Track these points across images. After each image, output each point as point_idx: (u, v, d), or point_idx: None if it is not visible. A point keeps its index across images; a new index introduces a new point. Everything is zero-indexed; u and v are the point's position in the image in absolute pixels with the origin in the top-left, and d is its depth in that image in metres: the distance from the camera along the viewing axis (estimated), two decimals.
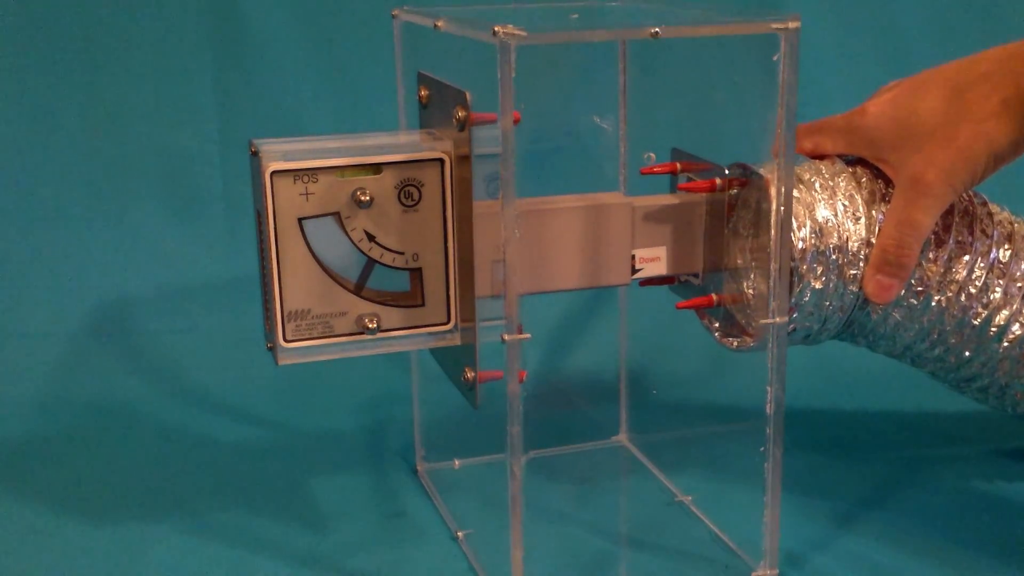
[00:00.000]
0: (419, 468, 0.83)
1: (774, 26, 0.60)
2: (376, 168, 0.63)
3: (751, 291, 0.68)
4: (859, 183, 0.69)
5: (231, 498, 0.80)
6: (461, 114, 0.61)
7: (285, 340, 0.64)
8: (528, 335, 0.60)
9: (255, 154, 0.62)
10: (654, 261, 0.71)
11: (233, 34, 1.08)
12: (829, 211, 0.68)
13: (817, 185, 0.69)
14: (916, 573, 0.70)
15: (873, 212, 0.69)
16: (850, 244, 0.68)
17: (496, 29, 0.56)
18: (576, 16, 0.75)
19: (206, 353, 1.02)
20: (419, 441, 0.83)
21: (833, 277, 0.68)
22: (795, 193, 0.68)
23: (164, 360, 1.02)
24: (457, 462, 0.84)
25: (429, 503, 0.79)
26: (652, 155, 0.74)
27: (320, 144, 0.64)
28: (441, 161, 0.63)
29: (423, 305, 0.65)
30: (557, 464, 0.85)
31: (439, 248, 0.65)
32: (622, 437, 0.89)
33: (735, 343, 0.70)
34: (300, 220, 0.62)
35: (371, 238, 0.63)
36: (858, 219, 0.68)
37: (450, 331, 0.66)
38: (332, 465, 0.85)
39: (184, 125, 1.09)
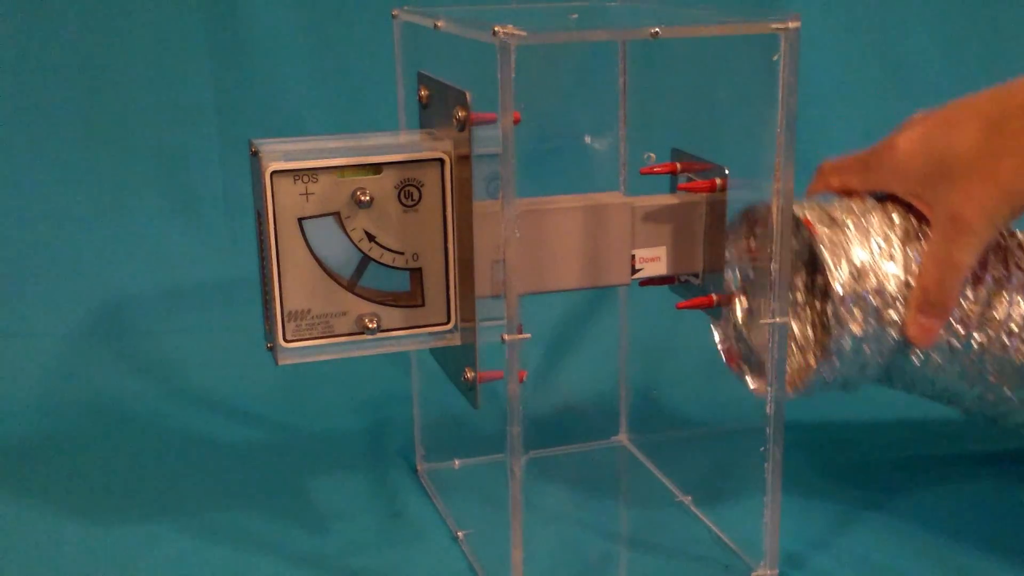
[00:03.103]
0: (419, 468, 0.83)
1: (774, 26, 0.60)
2: (376, 168, 0.63)
3: (794, 343, 0.68)
4: (892, 221, 0.68)
5: (231, 498, 0.80)
6: (461, 114, 0.61)
7: (285, 340, 0.64)
8: (528, 335, 0.60)
9: (255, 154, 0.62)
10: (654, 261, 0.71)
11: (233, 34, 1.08)
12: (865, 252, 0.66)
13: (850, 224, 0.67)
14: (916, 573, 0.70)
15: (908, 251, 0.67)
16: (888, 286, 0.66)
17: (496, 29, 0.56)
18: (576, 16, 0.75)
19: (206, 353, 1.02)
20: (419, 441, 0.83)
21: (872, 321, 0.66)
22: (827, 232, 0.67)
23: (164, 360, 1.02)
24: (457, 462, 0.84)
25: (429, 503, 0.79)
26: (652, 155, 0.74)
27: (320, 144, 0.64)
28: (441, 161, 0.63)
29: (423, 305, 0.65)
30: (557, 464, 0.85)
31: (439, 248, 0.65)
32: (622, 437, 0.89)
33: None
34: (300, 220, 0.62)
35: (371, 238, 0.63)
36: (894, 259, 0.66)
37: (450, 331, 0.66)
38: (332, 465, 0.85)
39: (184, 125, 1.09)
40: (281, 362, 0.64)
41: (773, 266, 0.64)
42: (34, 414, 0.94)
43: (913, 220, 0.68)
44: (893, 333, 0.67)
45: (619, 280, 0.70)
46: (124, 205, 1.09)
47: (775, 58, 0.60)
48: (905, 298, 0.66)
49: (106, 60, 1.07)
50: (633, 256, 0.70)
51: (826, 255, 0.66)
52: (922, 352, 0.68)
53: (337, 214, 0.63)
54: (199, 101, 1.09)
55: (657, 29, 0.59)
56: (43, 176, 1.08)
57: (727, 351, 0.72)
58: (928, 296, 0.66)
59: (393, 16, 0.75)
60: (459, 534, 0.74)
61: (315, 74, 1.10)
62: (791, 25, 0.60)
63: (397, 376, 0.92)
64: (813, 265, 0.72)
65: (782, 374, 0.65)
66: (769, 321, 0.64)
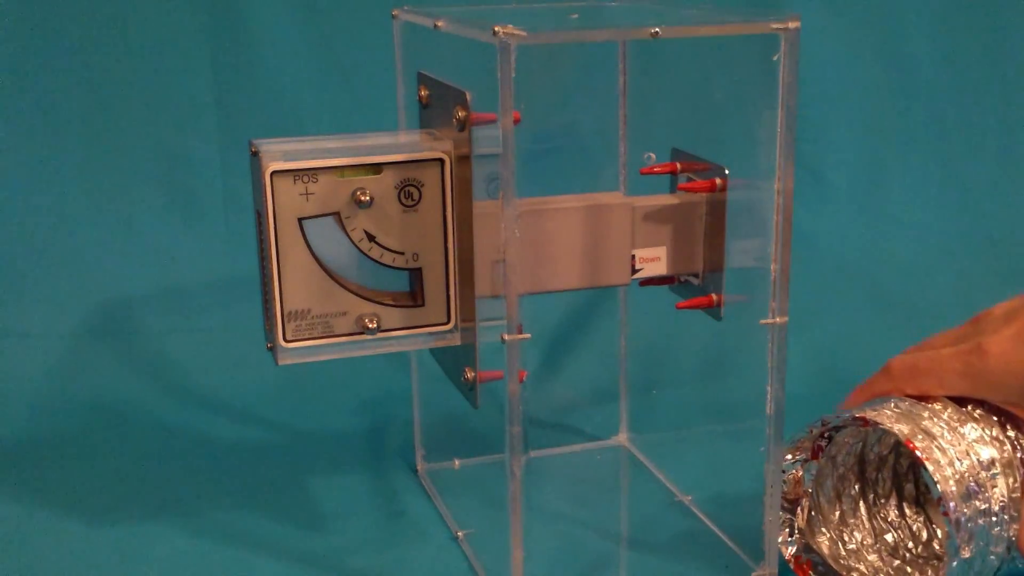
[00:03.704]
0: (419, 468, 0.83)
1: (774, 26, 0.60)
2: (376, 168, 0.63)
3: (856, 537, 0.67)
4: (981, 426, 0.65)
5: (231, 498, 0.80)
6: (461, 114, 0.61)
7: (285, 340, 0.64)
8: (528, 335, 0.60)
9: (255, 154, 0.62)
10: (654, 261, 0.71)
11: (233, 34, 1.08)
12: (968, 469, 0.63)
13: (947, 437, 0.63)
14: None
15: (1006, 460, 0.64)
16: (993, 503, 0.63)
17: (496, 29, 0.56)
18: (576, 16, 0.75)
19: (206, 353, 1.02)
20: (419, 441, 0.83)
21: (982, 543, 0.62)
22: (920, 448, 0.63)
23: (164, 360, 1.01)
24: (457, 462, 0.84)
25: (429, 503, 0.79)
26: (652, 155, 0.74)
27: (320, 144, 0.64)
28: (441, 161, 0.63)
29: (423, 305, 0.65)
30: (557, 464, 0.85)
31: (439, 248, 0.65)
32: (622, 437, 0.89)
33: None
34: (300, 220, 0.62)
35: (371, 238, 0.63)
36: (992, 469, 0.63)
37: (450, 331, 0.66)
38: (332, 465, 0.85)
39: (184, 125, 1.09)
40: (281, 362, 0.64)
41: (774, 266, 0.64)
42: (34, 414, 0.94)
43: (997, 422, 0.65)
44: (999, 550, 0.63)
45: (619, 280, 0.70)
46: (124, 205, 1.09)
47: (775, 58, 0.60)
48: (1013, 513, 0.63)
49: (106, 60, 1.07)
50: (633, 256, 0.70)
51: (937, 480, 0.62)
52: None
53: (337, 214, 0.63)
54: (199, 101, 1.09)
55: (657, 29, 0.59)
56: (43, 176, 1.08)
57: (796, 560, 0.70)
58: None
59: (393, 16, 0.75)
60: (459, 534, 0.74)
61: (315, 74, 1.10)
62: (791, 25, 0.60)
63: (397, 376, 0.92)
64: (864, 457, 0.72)
65: (782, 373, 0.65)
66: (769, 321, 0.64)
